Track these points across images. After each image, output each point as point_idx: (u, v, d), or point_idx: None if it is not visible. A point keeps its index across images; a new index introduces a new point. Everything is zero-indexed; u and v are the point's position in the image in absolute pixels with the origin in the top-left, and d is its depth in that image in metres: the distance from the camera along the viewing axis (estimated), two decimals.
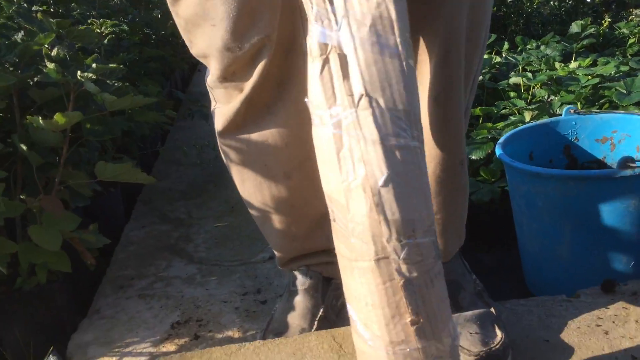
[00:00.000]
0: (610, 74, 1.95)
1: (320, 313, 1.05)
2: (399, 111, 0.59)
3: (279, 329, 1.04)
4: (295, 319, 1.05)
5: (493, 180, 1.55)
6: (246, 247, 1.52)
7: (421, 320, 0.59)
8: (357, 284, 0.61)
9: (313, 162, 1.04)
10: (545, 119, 1.37)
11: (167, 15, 2.59)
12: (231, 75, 0.87)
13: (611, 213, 1.10)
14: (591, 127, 1.35)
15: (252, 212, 1.06)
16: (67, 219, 1.11)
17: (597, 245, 1.14)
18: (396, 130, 0.59)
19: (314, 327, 1.03)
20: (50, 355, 1.02)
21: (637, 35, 2.47)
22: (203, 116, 2.00)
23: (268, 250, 1.47)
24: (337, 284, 1.14)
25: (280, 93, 0.92)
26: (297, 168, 1.00)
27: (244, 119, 0.94)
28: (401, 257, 0.59)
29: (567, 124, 1.36)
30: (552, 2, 2.92)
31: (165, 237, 1.63)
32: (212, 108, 0.99)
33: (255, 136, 0.96)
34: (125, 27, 1.72)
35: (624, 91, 1.69)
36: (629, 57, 2.30)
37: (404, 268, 0.59)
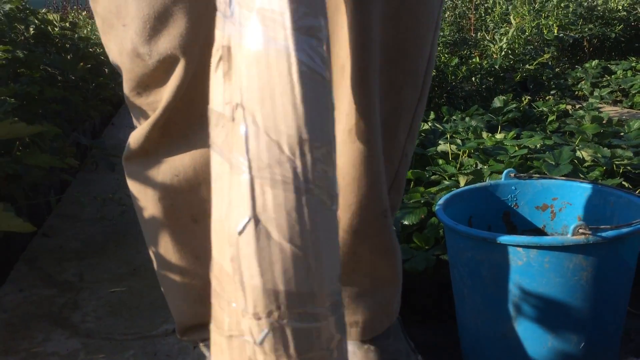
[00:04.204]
0: (536, 146, 1.95)
1: None
2: (280, 134, 0.42)
3: None
4: None
5: (427, 247, 1.43)
6: (146, 317, 1.29)
7: None
8: None
9: None
10: (485, 183, 1.29)
11: (78, 57, 2.39)
12: (144, 89, 0.74)
13: (562, 286, 1.00)
14: (531, 193, 1.28)
15: (153, 260, 0.89)
16: None
17: (546, 323, 1.02)
18: (274, 160, 0.42)
19: None
20: None
21: (555, 114, 2.55)
22: (109, 165, 1.77)
23: (173, 321, 1.24)
24: None
25: (203, 125, 0.79)
26: (207, 213, 0.86)
27: (157, 148, 0.78)
28: (258, 340, 0.39)
29: (507, 189, 1.28)
30: (473, 79, 2.99)
31: (47, 304, 1.36)
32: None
33: (165, 168, 0.80)
34: (21, 55, 1.51)
35: (553, 163, 1.67)
36: (549, 133, 2.35)
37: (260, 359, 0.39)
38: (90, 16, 9.01)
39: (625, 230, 0.98)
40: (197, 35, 0.69)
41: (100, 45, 4.94)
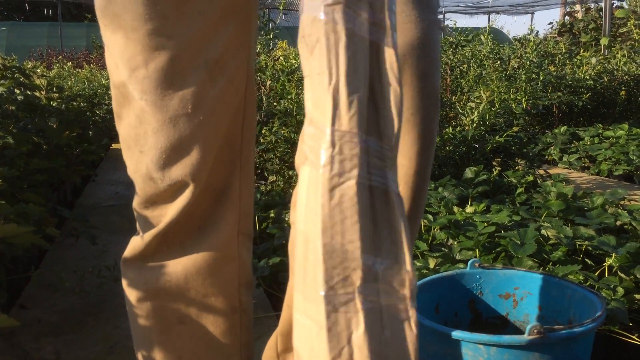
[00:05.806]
0: (504, 222, 2.04)
1: None
2: None
3: None
4: None
5: None
6: None
7: None
8: None
9: (213, 315, 0.95)
10: (451, 271, 1.36)
11: (64, 125, 2.45)
12: (152, 205, 0.82)
13: None
14: (495, 282, 1.35)
15: (139, 358, 0.93)
16: None
17: None
18: None
19: None
20: None
21: (524, 185, 2.66)
22: (90, 239, 1.81)
23: None
24: None
25: (199, 236, 0.87)
26: (193, 316, 0.91)
27: (154, 254, 0.86)
28: None
29: (471, 278, 1.35)
30: (447, 147, 3.12)
31: None
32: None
33: (159, 272, 0.87)
34: (11, 140, 1.57)
35: (518, 242, 1.75)
36: (518, 205, 2.45)
37: None
38: (75, 66, 9.08)
39: (577, 330, 1.05)
40: (206, 163, 0.79)
41: (86, 98, 5.00)
